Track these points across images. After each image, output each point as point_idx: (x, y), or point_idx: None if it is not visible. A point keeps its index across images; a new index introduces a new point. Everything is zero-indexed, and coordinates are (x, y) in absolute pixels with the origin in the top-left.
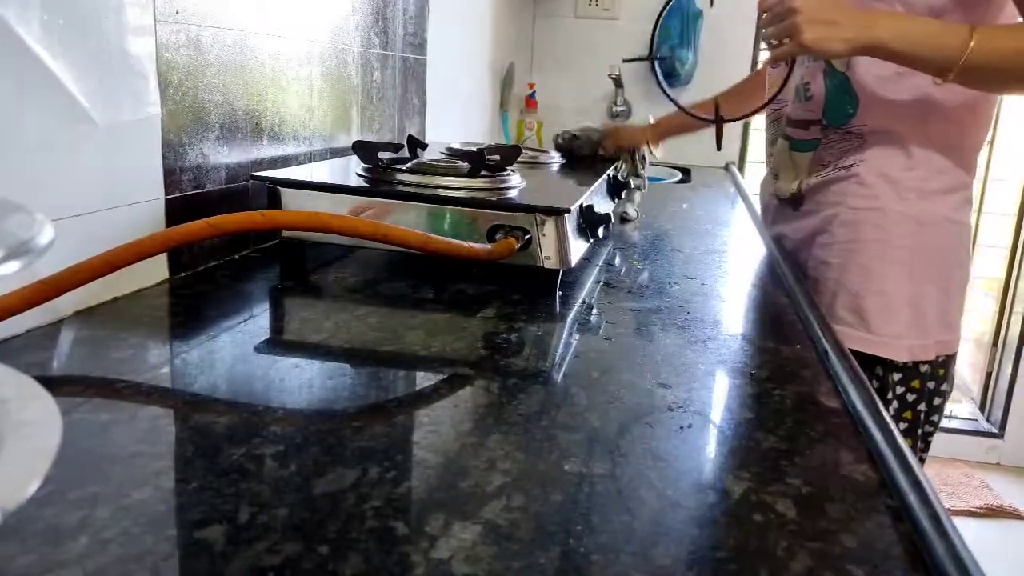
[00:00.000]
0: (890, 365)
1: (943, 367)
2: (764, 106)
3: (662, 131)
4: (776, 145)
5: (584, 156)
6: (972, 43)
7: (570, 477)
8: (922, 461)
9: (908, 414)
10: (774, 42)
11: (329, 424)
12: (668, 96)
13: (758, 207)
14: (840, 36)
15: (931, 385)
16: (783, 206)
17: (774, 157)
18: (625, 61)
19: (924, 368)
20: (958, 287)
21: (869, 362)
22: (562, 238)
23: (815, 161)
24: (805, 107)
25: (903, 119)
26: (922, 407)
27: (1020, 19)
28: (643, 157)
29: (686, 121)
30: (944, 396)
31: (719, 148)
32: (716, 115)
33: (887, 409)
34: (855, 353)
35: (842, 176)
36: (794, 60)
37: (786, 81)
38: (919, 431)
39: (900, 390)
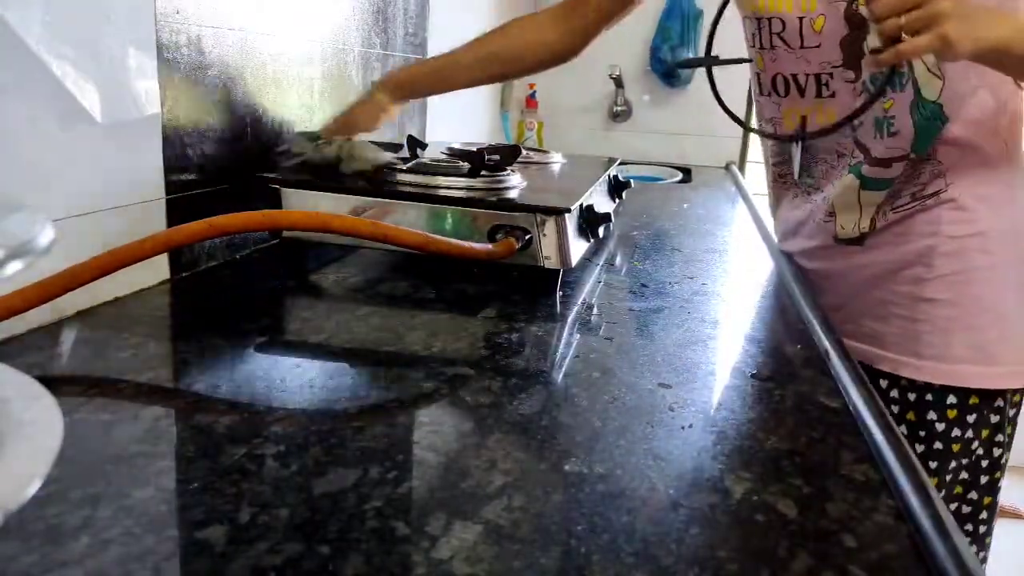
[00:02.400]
0: (1014, 392)
1: None
2: (849, 120)
3: (406, 94)
4: (838, 182)
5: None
6: None
7: (571, 477)
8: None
9: (1010, 431)
10: (904, 37)
11: (330, 424)
12: (724, 107)
13: (759, 207)
14: (972, 34)
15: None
16: (838, 244)
17: (837, 196)
18: (679, 65)
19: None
20: None
21: (991, 396)
22: (562, 238)
23: (889, 196)
24: (888, 143)
25: (980, 131)
26: (1020, 421)
27: None
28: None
29: (440, 76)
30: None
31: (797, 176)
32: (798, 135)
33: (1004, 439)
34: (972, 391)
35: (930, 204)
36: (897, 67)
37: (880, 95)
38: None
39: (1012, 412)
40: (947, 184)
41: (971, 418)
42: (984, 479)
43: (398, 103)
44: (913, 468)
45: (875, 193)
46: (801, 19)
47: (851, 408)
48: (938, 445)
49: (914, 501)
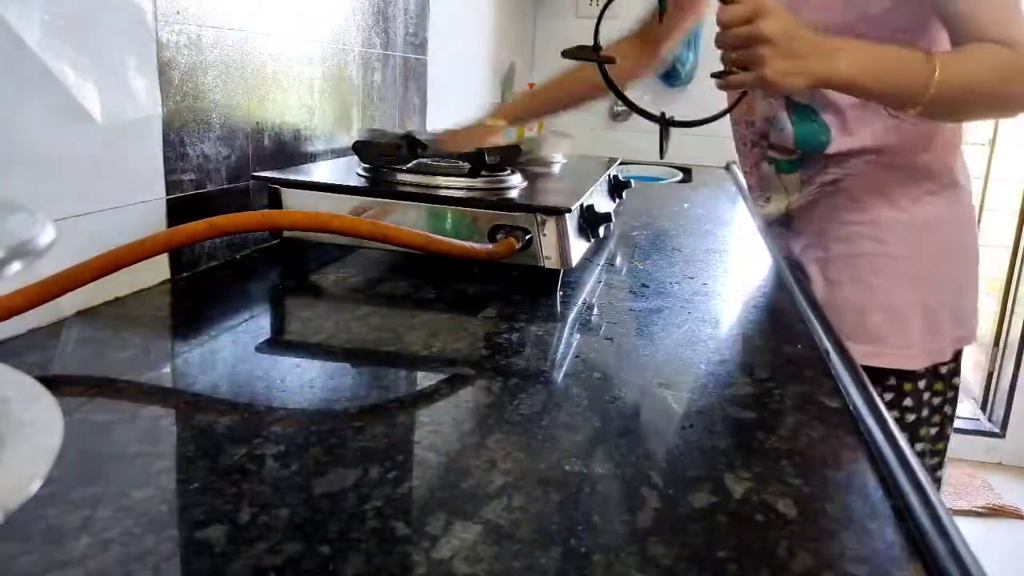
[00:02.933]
0: (910, 375)
1: (955, 361)
2: (713, 119)
3: (513, 121)
4: (761, 168)
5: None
6: (937, 74)
7: (571, 477)
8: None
9: (937, 418)
10: (731, 68)
11: (330, 424)
12: (617, 93)
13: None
14: (802, 71)
15: (949, 381)
16: (773, 227)
17: (763, 181)
18: (565, 55)
19: (943, 369)
20: (971, 280)
21: (881, 375)
22: (563, 238)
23: (802, 179)
24: (780, 136)
25: (875, 134)
26: (948, 408)
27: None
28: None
29: (544, 103)
30: (956, 389)
31: (662, 156)
32: (662, 119)
33: (905, 416)
34: (867, 369)
35: (829, 192)
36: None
37: (732, 107)
38: (946, 431)
39: (926, 396)
40: (844, 175)
41: None
42: None
43: (508, 126)
44: (912, 468)
45: (789, 175)
46: None
47: (851, 408)
48: None
49: (914, 500)
